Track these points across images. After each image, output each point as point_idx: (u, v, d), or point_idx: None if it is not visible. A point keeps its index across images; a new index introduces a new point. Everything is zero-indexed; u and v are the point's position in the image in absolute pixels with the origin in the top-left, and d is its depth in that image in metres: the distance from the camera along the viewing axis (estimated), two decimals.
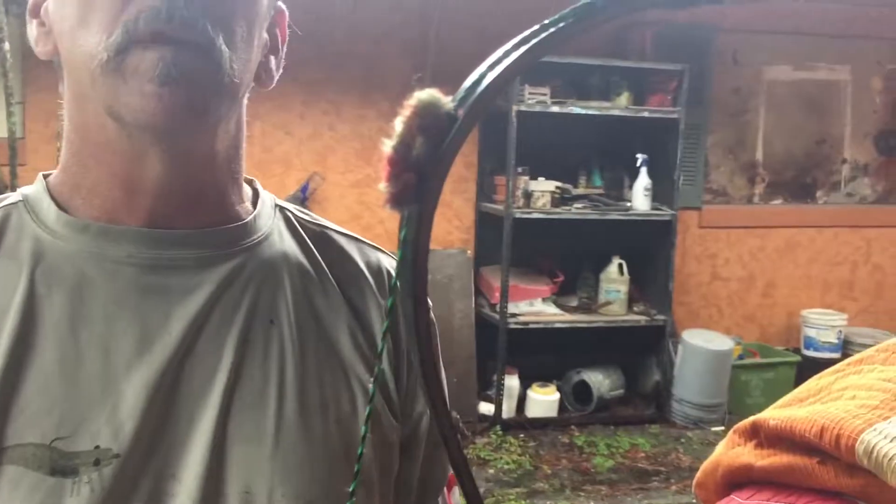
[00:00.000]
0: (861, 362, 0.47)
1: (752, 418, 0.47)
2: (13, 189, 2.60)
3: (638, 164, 4.27)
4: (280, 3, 0.73)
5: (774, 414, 0.44)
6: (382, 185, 0.44)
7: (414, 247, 0.43)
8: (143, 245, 0.65)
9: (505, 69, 0.43)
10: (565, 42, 0.46)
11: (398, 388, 0.73)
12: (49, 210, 0.66)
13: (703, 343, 4.38)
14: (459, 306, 4.25)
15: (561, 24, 0.45)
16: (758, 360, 4.67)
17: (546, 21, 0.46)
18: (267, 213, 0.73)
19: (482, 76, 0.44)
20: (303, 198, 4.20)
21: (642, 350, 4.52)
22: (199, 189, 0.67)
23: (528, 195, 4.15)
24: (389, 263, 0.77)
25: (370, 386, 0.69)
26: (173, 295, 0.65)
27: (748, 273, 5.03)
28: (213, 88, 0.61)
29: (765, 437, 0.45)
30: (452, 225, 4.51)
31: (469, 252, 4.43)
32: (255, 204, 0.73)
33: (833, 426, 0.40)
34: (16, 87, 2.60)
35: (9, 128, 2.56)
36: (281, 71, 0.73)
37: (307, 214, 0.77)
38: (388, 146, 0.43)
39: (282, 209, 0.75)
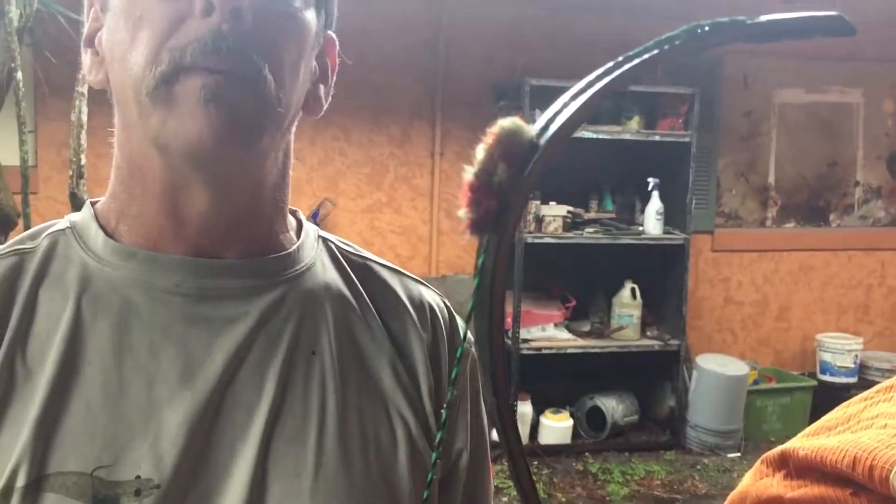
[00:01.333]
0: (891, 389, 0.45)
1: (780, 448, 0.45)
2: (25, 217, 2.59)
3: (649, 187, 4.25)
4: (330, 32, 0.72)
5: (804, 444, 0.42)
6: (462, 212, 0.44)
7: (492, 273, 0.43)
8: (190, 274, 0.64)
9: (586, 100, 0.43)
10: (643, 73, 0.47)
11: (438, 424, 0.72)
12: (97, 237, 0.66)
13: (717, 368, 4.33)
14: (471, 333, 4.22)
15: (639, 58, 0.45)
16: (773, 385, 4.62)
17: (629, 53, 0.47)
18: (310, 244, 0.73)
19: (564, 105, 0.44)
20: (314, 224, 4.20)
21: (656, 375, 4.47)
22: (245, 219, 0.67)
23: (539, 220, 4.14)
24: (431, 297, 0.76)
25: (432, 419, 0.69)
26: (217, 325, 0.64)
27: (762, 297, 4.99)
28: (259, 118, 0.61)
29: (794, 468, 0.43)
30: (464, 250, 4.50)
31: None
32: (298, 234, 0.73)
33: (866, 456, 0.38)
34: (28, 115, 2.62)
35: (21, 156, 2.57)
36: (330, 99, 0.73)
37: (350, 246, 0.77)
38: (469, 173, 0.43)
39: (325, 240, 0.75)
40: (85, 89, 2.43)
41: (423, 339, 0.72)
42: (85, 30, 0.68)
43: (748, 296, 4.97)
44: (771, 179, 4.96)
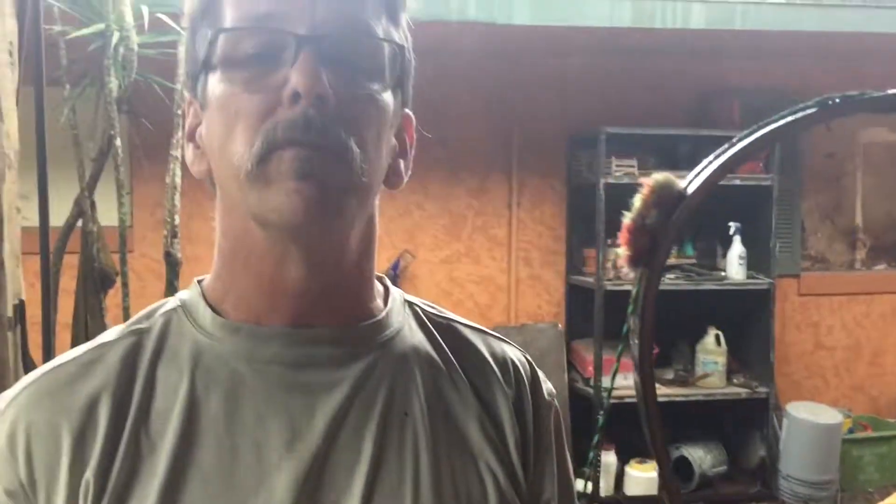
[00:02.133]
0: None
1: None
2: (122, 275, 2.72)
3: (731, 232, 4.19)
4: (408, 110, 0.77)
5: None
6: (621, 250, 0.56)
7: (643, 301, 0.58)
8: (288, 344, 0.69)
9: (725, 160, 0.52)
10: (788, 133, 0.61)
11: (525, 474, 0.75)
12: (205, 314, 0.72)
13: (809, 416, 4.19)
14: (552, 382, 4.19)
15: (774, 124, 0.55)
16: (870, 433, 4.44)
17: (764, 121, 0.59)
18: (398, 309, 0.77)
19: (708, 163, 0.55)
20: (394, 275, 4.27)
21: (744, 424, 4.35)
22: (336, 288, 0.71)
23: (618, 267, 4.12)
24: (514, 354, 0.80)
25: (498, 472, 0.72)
26: (316, 391, 0.69)
27: (854, 341, 4.82)
28: (347, 188, 0.66)
29: None
30: (542, 299, 4.50)
31: (560, 325, 4.40)
32: (385, 300, 0.78)
33: None
34: (125, 178, 2.77)
35: (119, 217, 2.71)
36: (409, 172, 0.78)
37: (434, 308, 0.81)
38: (627, 217, 0.55)
39: (410, 304, 0.80)
40: (178, 153, 2.57)
41: (508, 395, 0.76)
42: (186, 125, 0.74)
43: (839, 340, 4.81)
44: (858, 220, 4.83)
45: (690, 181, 0.53)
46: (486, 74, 4.31)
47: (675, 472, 4.41)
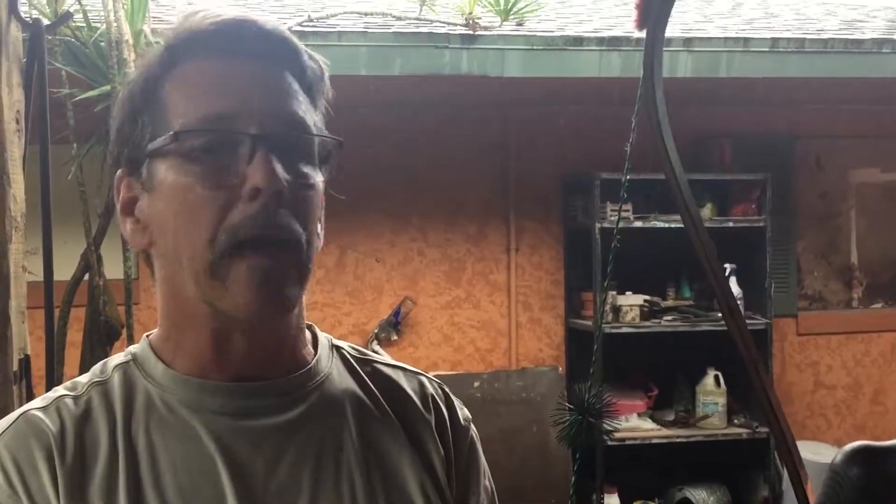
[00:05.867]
0: None
1: None
2: (128, 327, 2.75)
3: (726, 273, 4.24)
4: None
5: None
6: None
7: (651, 67, 0.85)
8: (232, 397, 0.78)
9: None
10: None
11: (451, 490, 0.84)
12: (156, 366, 0.79)
13: (812, 456, 4.18)
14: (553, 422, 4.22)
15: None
16: None
17: None
18: (326, 355, 0.85)
19: None
20: (395, 322, 4.32)
21: (747, 464, 4.35)
22: (276, 349, 0.80)
23: (616, 310, 4.16)
24: (429, 384, 0.89)
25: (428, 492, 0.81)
26: (258, 436, 0.77)
27: (854, 380, 4.84)
28: (298, 283, 0.76)
29: None
30: (543, 342, 4.53)
31: (560, 369, 4.43)
32: (315, 345, 0.86)
33: None
34: None
35: (125, 270, 2.77)
36: (323, 232, 0.84)
37: (357, 350, 0.90)
38: None
39: (337, 348, 0.88)
40: None
41: (430, 421, 0.85)
42: (121, 199, 0.80)
43: (839, 379, 4.83)
44: (854, 259, 4.88)
45: None
46: (481, 123, 4.40)
47: None
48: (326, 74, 0.82)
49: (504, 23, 3.65)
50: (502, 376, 4.28)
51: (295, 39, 0.79)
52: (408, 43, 3.49)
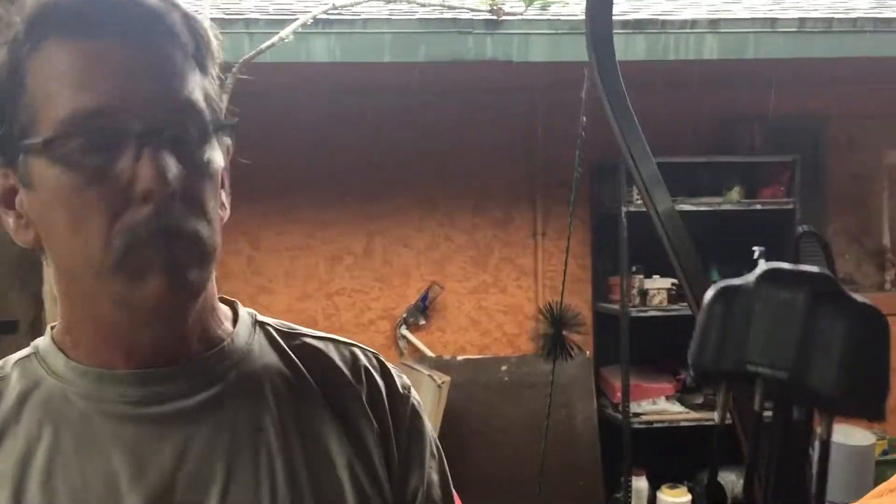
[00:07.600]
0: None
1: None
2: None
3: (755, 256, 4.20)
4: (227, 139, 0.78)
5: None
6: None
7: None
8: (135, 385, 0.73)
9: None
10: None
11: (390, 464, 0.81)
12: (57, 359, 0.76)
13: (842, 439, 4.16)
14: (581, 408, 4.24)
15: None
16: None
17: None
18: (245, 332, 0.81)
19: None
20: (423, 307, 4.35)
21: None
22: (184, 335, 0.75)
23: (643, 293, 4.16)
24: (361, 353, 0.85)
25: (357, 468, 0.77)
26: (164, 422, 0.73)
27: None
28: (202, 264, 0.71)
29: None
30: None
31: (588, 353, 4.44)
32: (234, 323, 0.82)
33: None
34: None
35: None
36: (229, 199, 0.80)
37: (285, 326, 0.85)
38: None
39: (262, 325, 0.84)
40: None
41: (361, 392, 0.81)
42: None
43: None
44: (886, 241, 4.83)
45: None
46: (507, 109, 4.40)
47: (709, 497, 4.41)
48: (210, 32, 0.74)
49: (528, 8, 3.65)
50: (530, 360, 4.30)
51: None
52: (432, 29, 3.50)
